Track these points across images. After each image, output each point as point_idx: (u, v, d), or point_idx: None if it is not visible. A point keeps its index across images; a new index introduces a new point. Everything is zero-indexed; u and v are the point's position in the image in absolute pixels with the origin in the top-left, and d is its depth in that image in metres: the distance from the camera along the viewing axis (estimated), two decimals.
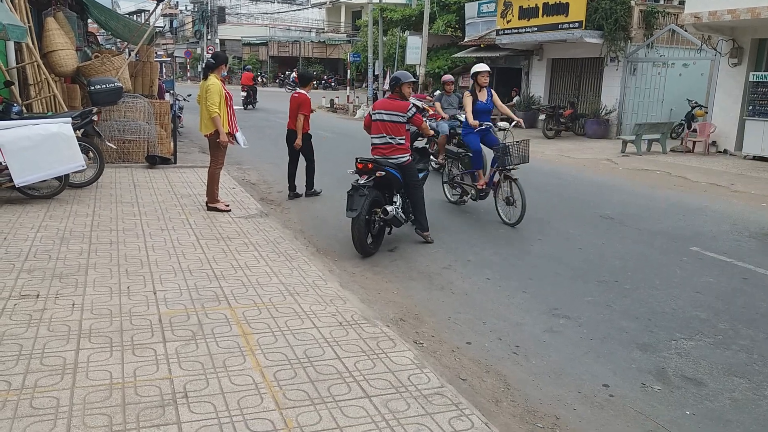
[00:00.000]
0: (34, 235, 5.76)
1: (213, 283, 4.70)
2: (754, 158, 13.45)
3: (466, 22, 24.71)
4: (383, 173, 6.08)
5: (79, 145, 7.28)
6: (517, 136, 7.64)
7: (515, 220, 7.19)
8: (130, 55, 12.08)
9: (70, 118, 7.41)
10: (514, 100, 21.61)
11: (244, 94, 26.00)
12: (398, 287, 5.26)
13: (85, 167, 7.46)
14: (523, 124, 7.78)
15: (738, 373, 3.87)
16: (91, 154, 8.03)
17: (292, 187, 8.76)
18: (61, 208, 6.89)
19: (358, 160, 6.15)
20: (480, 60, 23.43)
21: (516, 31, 19.39)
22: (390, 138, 6.27)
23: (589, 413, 3.39)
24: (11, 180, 6.75)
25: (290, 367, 3.39)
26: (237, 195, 8.15)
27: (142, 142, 10.22)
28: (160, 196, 7.81)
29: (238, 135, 7.25)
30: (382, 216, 6.13)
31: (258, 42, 52.42)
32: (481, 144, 7.67)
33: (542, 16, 18.32)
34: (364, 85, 32.76)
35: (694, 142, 15.00)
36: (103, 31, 21.41)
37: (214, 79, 6.87)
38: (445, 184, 8.62)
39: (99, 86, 9.12)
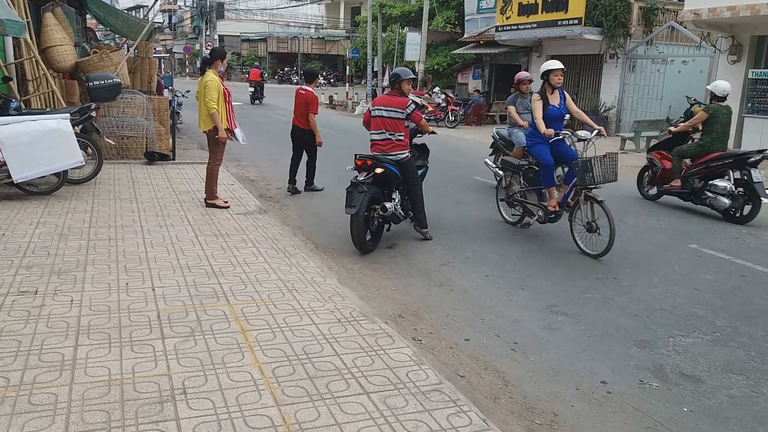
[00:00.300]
0: (32, 231, 5.75)
1: (211, 279, 4.70)
2: None
3: (466, 19, 24.68)
4: (382, 170, 6.07)
5: (78, 141, 7.26)
6: (600, 148, 6.39)
7: (600, 250, 5.96)
8: (128, 51, 12.07)
9: (68, 114, 7.39)
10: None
11: (252, 89, 26.80)
12: (397, 284, 5.26)
13: (84, 163, 7.44)
14: (605, 133, 6.51)
15: (736, 370, 3.88)
16: (89, 150, 8.02)
17: (292, 180, 8.83)
18: (60, 205, 6.88)
19: (357, 156, 6.15)
20: (479, 56, 23.51)
21: (515, 27, 19.37)
22: (389, 134, 6.26)
23: (587, 410, 3.40)
24: (9, 176, 6.74)
25: (289, 364, 3.39)
26: (236, 191, 8.15)
27: (140, 139, 10.20)
28: (158, 192, 7.80)
29: (237, 131, 7.24)
30: (381, 213, 6.13)
31: (257, 38, 52.31)
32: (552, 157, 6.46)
33: (541, 12, 18.31)
34: (363, 82, 32.73)
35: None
36: (102, 26, 21.38)
37: (212, 75, 6.86)
38: (501, 202, 7.42)
39: (97, 82, 9.11)
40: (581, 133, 6.31)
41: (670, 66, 17.28)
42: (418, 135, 7.02)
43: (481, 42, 22.54)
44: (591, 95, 19.01)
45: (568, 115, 6.78)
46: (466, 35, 23.95)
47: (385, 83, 24.53)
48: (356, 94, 29.55)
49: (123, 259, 5.06)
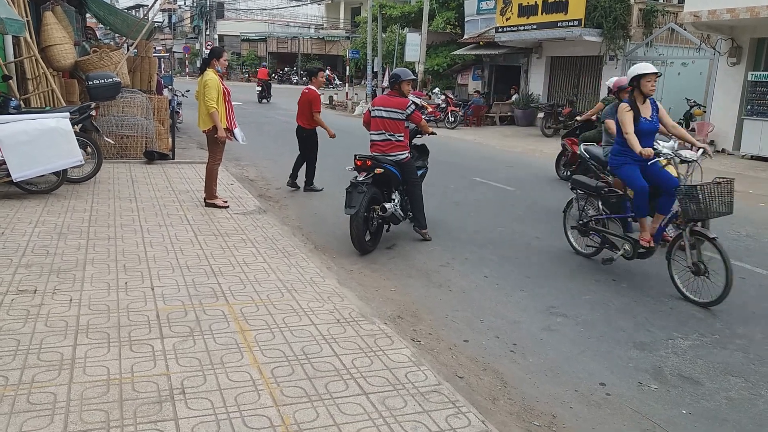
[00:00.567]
0: (31, 230, 5.75)
1: (211, 279, 4.70)
2: (752, 158, 13.47)
3: (466, 20, 24.67)
4: (382, 170, 6.07)
5: (77, 140, 7.26)
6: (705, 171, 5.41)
7: (711, 298, 4.83)
8: (128, 50, 12.06)
9: (68, 113, 7.39)
10: (513, 98, 21.62)
11: (260, 88, 27.60)
12: (396, 285, 5.26)
13: (83, 162, 7.44)
14: (711, 153, 5.50)
15: (734, 373, 3.88)
16: (89, 149, 8.01)
17: (293, 175, 9.02)
18: (59, 204, 6.87)
19: (357, 157, 6.15)
20: (479, 57, 23.53)
21: (515, 28, 19.38)
22: (389, 135, 6.27)
23: (585, 411, 3.40)
24: (9, 175, 6.73)
25: (288, 364, 3.39)
26: (235, 191, 8.15)
27: (140, 138, 10.20)
28: (158, 191, 7.80)
29: (237, 131, 7.23)
30: (380, 213, 6.13)
31: (257, 38, 52.30)
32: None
33: (541, 13, 18.31)
34: (363, 82, 32.77)
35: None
36: (102, 25, 21.38)
37: (211, 75, 6.85)
38: (572, 230, 6.26)
39: (97, 81, 9.10)
40: (685, 153, 5.32)
41: (669, 68, 17.29)
42: (418, 135, 7.02)
43: (481, 43, 22.55)
44: (591, 96, 19.02)
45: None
46: (465, 36, 23.96)
47: (385, 83, 24.55)
48: (356, 94, 29.56)
49: (122, 259, 5.05)
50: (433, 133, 6.94)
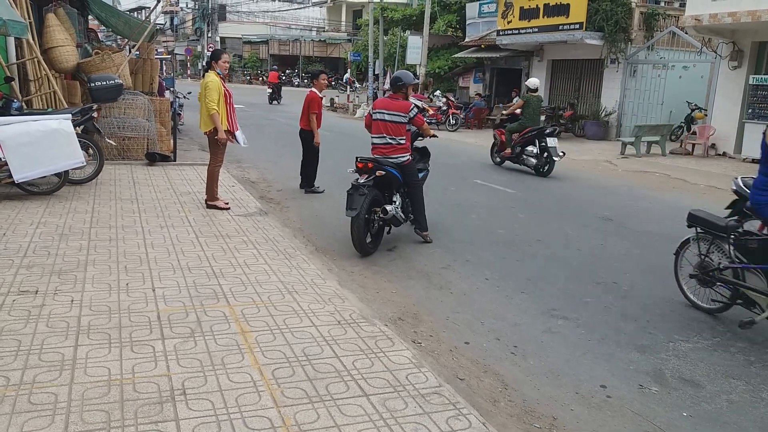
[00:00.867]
0: (33, 231, 5.75)
1: (212, 280, 4.70)
2: (753, 161, 13.45)
3: (467, 23, 24.72)
4: (383, 173, 6.08)
5: (79, 141, 7.27)
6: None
7: None
8: (130, 52, 12.08)
9: (70, 115, 7.40)
10: (515, 100, 21.63)
11: (270, 91, 29.04)
12: (397, 286, 5.26)
13: (85, 164, 7.44)
14: None
15: (735, 376, 3.88)
16: (90, 150, 8.02)
17: (303, 183, 9.08)
18: (61, 205, 6.88)
19: (358, 159, 6.15)
20: (481, 60, 23.54)
21: (516, 31, 19.41)
22: (390, 138, 6.27)
23: (586, 414, 3.40)
24: (10, 176, 6.74)
25: (288, 366, 3.39)
26: (236, 193, 8.15)
27: (141, 140, 10.22)
28: (159, 193, 7.81)
29: (238, 134, 7.24)
30: (381, 215, 6.13)
31: (258, 40, 52.40)
32: None
33: (543, 17, 18.34)
34: (364, 84, 32.83)
35: (694, 145, 15.02)
36: (104, 27, 21.42)
37: (212, 76, 6.86)
38: (691, 278, 4.95)
39: (99, 83, 9.12)
40: None
41: (670, 71, 17.31)
42: (419, 138, 7.03)
43: (483, 46, 22.59)
44: (592, 100, 19.05)
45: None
46: (467, 39, 23.99)
47: (386, 86, 24.56)
48: (357, 96, 29.60)
49: (123, 260, 5.06)
50: (434, 136, 6.95)
